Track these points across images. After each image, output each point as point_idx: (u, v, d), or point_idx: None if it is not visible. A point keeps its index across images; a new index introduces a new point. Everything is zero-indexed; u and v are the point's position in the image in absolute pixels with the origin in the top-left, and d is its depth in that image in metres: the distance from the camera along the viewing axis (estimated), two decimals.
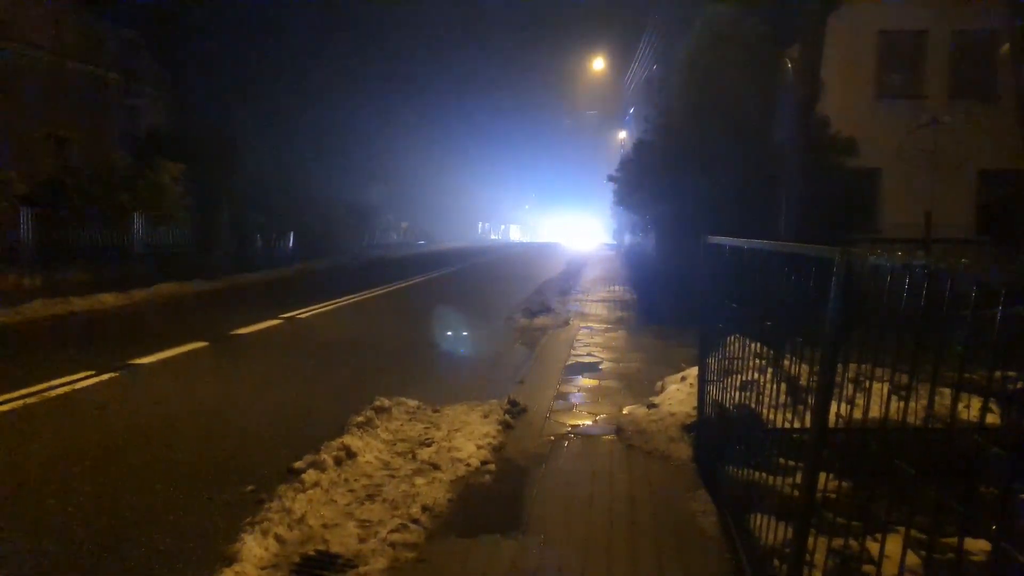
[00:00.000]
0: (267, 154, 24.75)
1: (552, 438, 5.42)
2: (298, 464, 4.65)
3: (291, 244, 25.98)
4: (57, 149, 20.81)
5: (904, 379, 2.01)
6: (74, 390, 6.84)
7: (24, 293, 13.74)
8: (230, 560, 3.36)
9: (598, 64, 37.98)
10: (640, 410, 5.81)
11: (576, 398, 6.68)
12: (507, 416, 5.78)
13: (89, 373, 7.43)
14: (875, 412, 2.61)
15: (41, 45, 19.78)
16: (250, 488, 4.44)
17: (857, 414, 2.68)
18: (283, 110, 25.91)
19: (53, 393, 6.67)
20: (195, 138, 22.30)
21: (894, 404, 2.14)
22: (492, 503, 4.21)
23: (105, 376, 7.39)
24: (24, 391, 6.64)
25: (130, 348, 8.81)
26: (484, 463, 4.74)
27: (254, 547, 3.45)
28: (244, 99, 23.91)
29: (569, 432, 5.58)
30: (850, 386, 2.50)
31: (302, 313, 12.55)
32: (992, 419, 4.31)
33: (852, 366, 2.47)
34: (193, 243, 20.58)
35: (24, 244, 14.49)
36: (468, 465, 4.66)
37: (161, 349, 8.79)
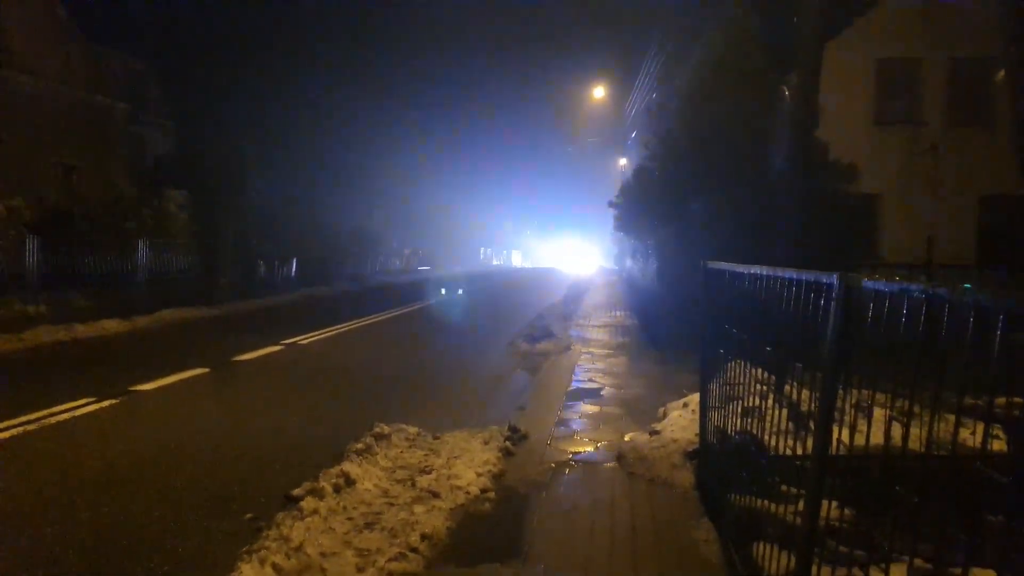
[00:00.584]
0: (272, 181, 24.95)
1: (553, 465, 5.38)
2: (296, 491, 4.61)
3: (294, 270, 26.03)
4: (64, 177, 20.98)
5: (906, 404, 1.99)
6: (74, 417, 6.82)
7: (29, 320, 13.74)
8: None
9: (599, 92, 38.34)
10: (642, 437, 5.76)
11: (577, 424, 6.63)
12: (507, 443, 5.74)
13: (90, 400, 7.41)
14: (877, 438, 2.59)
15: (49, 76, 20.05)
16: (248, 516, 4.40)
17: (859, 440, 2.65)
18: (288, 138, 26.14)
19: (53, 420, 6.65)
20: (200, 166, 22.49)
21: (896, 430, 2.12)
22: (492, 532, 4.17)
23: (106, 403, 7.37)
24: (24, 418, 6.62)
25: (131, 375, 8.80)
26: (484, 491, 4.69)
27: (251, 575, 3.41)
28: (249, 127, 24.13)
29: (570, 459, 5.54)
30: (852, 412, 2.48)
31: (303, 339, 12.54)
32: (999, 446, 4.27)
33: (853, 392, 2.46)
34: (197, 270, 20.63)
35: (30, 271, 14.53)
36: (468, 493, 4.61)
37: (162, 376, 8.77)
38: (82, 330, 12.30)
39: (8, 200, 15.03)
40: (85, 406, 7.19)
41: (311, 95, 27.55)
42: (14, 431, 6.26)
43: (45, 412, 6.85)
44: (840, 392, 2.44)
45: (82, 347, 11.53)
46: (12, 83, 18.97)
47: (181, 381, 8.68)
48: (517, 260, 79.82)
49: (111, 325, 13.14)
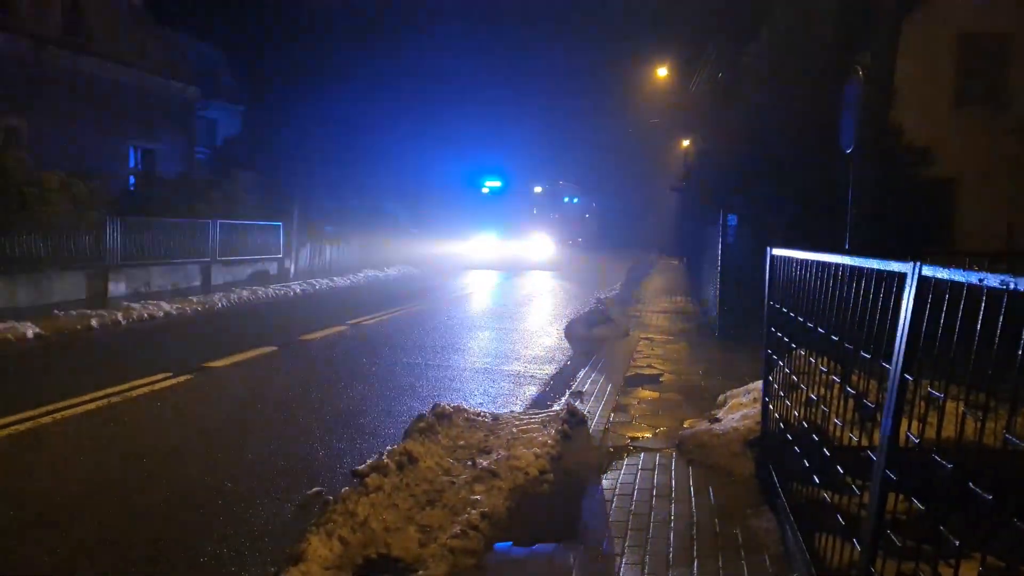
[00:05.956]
0: (336, 165, 25.48)
1: (611, 449, 5.40)
2: (361, 468, 4.76)
3: (359, 252, 26.60)
4: (141, 159, 21.92)
5: (980, 398, 1.94)
6: (153, 391, 7.19)
7: (110, 298, 14.49)
8: (296, 559, 3.47)
9: (662, 71, 37.56)
10: (702, 424, 5.72)
11: (636, 410, 6.62)
12: (566, 426, 5.76)
13: (167, 375, 7.79)
14: (948, 432, 2.52)
15: (126, 61, 20.88)
16: (316, 490, 4.58)
17: (930, 433, 2.58)
18: (354, 123, 26.63)
19: (134, 394, 7.03)
20: (268, 149, 23.15)
21: (970, 424, 2.06)
22: (550, 513, 4.23)
23: (182, 378, 7.73)
24: (109, 390, 7.02)
25: (205, 351, 9.19)
26: (542, 473, 4.75)
27: (319, 547, 3.56)
28: (316, 112, 24.68)
29: (628, 444, 5.55)
30: (921, 404, 2.42)
31: (367, 320, 12.85)
32: None
33: (924, 383, 2.40)
34: (265, 250, 21.29)
35: (111, 251, 15.27)
36: (527, 474, 4.67)
37: (234, 353, 9.14)
38: (160, 308, 12.88)
39: (90, 183, 15.78)
40: (162, 381, 7.56)
41: (376, 79, 27.96)
42: (100, 403, 6.65)
43: (126, 386, 7.24)
44: (911, 384, 2.38)
45: (160, 324, 12.09)
46: (92, 68, 19.84)
47: (252, 358, 9.02)
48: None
49: (186, 304, 13.72)
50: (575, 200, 44.01)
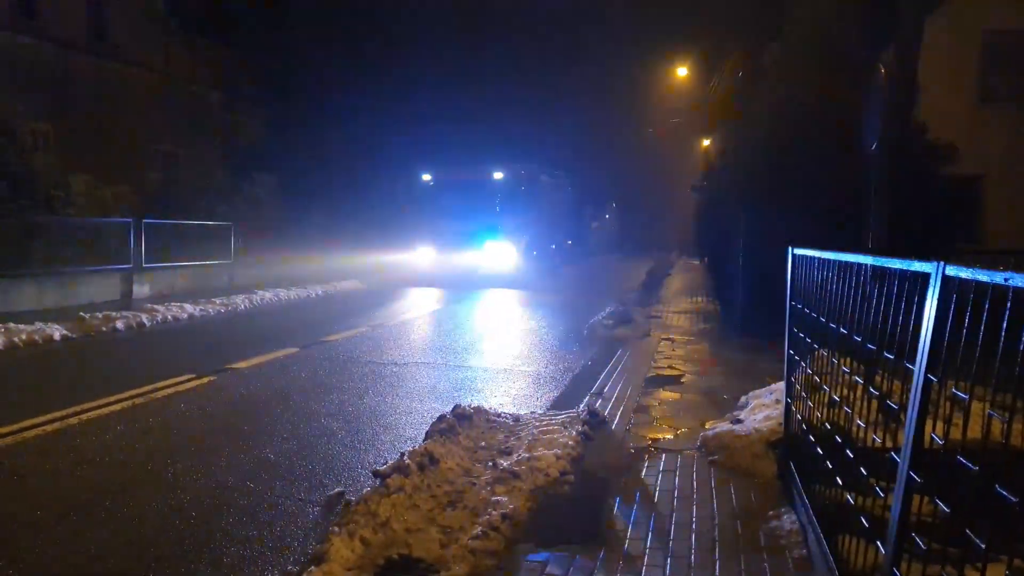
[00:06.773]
0: (357, 168, 25.69)
1: (632, 451, 5.38)
2: (383, 469, 4.79)
3: (383, 254, 26.77)
4: (165, 164, 22.25)
5: (1007, 399, 1.92)
6: (177, 392, 7.29)
7: (135, 300, 14.71)
8: (319, 559, 3.50)
9: (682, 71, 37.39)
10: (723, 425, 5.69)
11: (657, 411, 6.60)
12: (586, 427, 5.77)
13: (191, 376, 7.89)
14: (974, 432, 2.49)
15: (151, 66, 21.20)
16: (337, 490, 4.62)
17: (955, 434, 2.55)
18: (373, 124, 26.81)
19: (159, 394, 7.13)
20: (289, 153, 23.37)
21: (996, 425, 2.04)
22: (571, 514, 4.23)
23: (205, 379, 7.83)
24: (132, 392, 7.12)
25: (228, 353, 9.30)
26: (563, 474, 4.75)
27: (341, 548, 3.59)
28: (337, 115, 24.90)
29: (650, 446, 5.53)
30: (946, 404, 2.39)
31: (389, 321, 12.91)
32: None
33: (949, 384, 2.37)
34: (288, 253, 21.50)
35: (135, 254, 15.52)
36: (547, 475, 4.68)
37: (256, 354, 9.24)
38: (183, 310, 13.05)
39: (115, 187, 16.06)
40: (186, 382, 7.67)
41: (398, 82, 28.11)
42: (125, 404, 6.75)
43: (151, 387, 7.35)
44: (935, 385, 2.35)
45: (183, 326, 12.25)
46: (117, 73, 20.16)
47: (274, 359, 9.11)
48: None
49: (209, 306, 13.89)
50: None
